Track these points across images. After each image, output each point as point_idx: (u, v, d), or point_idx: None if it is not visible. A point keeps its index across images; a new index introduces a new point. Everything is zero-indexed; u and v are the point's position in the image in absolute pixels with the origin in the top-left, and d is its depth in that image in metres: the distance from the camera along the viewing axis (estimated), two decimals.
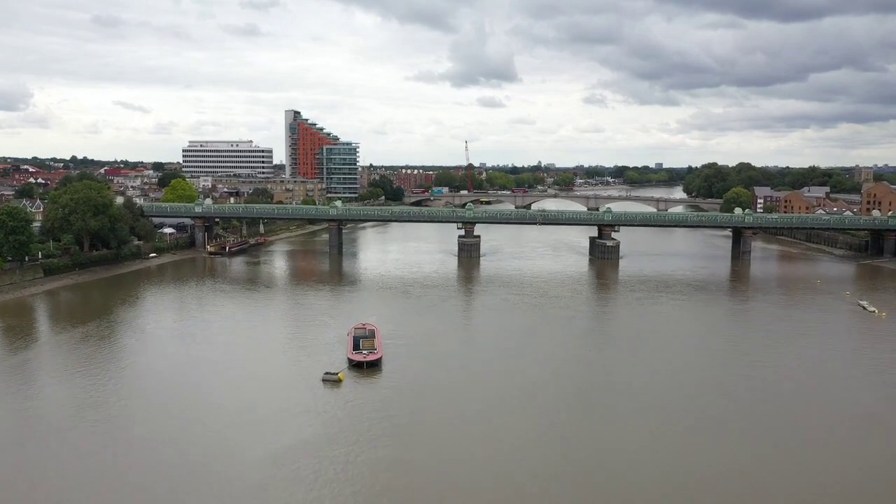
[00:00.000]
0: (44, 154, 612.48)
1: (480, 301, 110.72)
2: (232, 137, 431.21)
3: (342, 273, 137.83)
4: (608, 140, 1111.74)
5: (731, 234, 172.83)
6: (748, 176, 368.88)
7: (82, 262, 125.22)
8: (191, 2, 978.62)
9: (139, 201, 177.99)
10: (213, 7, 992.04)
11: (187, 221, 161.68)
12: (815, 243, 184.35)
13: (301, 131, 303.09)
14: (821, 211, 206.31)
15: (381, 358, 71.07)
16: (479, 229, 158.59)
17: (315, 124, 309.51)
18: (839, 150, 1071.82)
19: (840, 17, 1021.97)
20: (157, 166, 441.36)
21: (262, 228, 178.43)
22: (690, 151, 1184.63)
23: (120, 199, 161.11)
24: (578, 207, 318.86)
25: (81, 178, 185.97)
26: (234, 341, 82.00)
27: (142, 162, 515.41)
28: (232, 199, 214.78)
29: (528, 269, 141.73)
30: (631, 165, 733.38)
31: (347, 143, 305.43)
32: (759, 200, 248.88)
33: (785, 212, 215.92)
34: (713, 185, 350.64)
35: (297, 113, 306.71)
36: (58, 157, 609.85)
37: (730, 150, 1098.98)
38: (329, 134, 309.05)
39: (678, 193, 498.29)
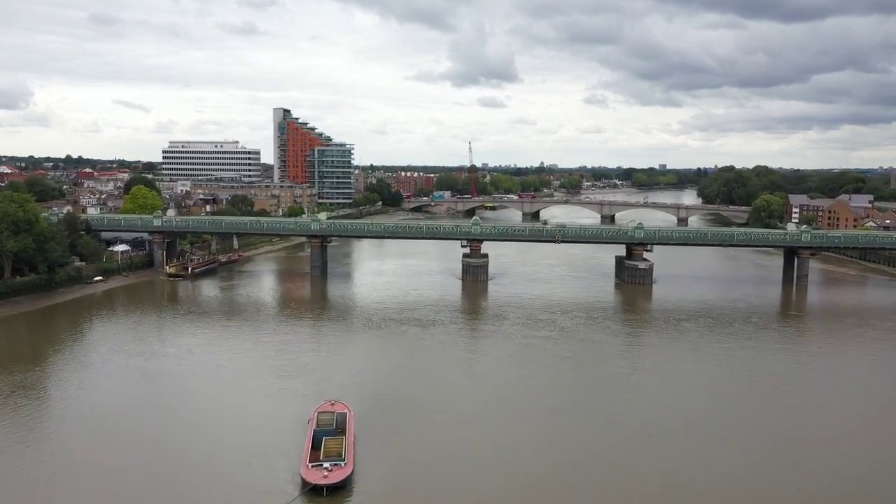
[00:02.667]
0: (44, 153, 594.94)
1: (493, 348, 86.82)
2: (232, 137, 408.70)
3: (324, 302, 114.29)
4: (610, 141, 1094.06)
5: (764, 249, 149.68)
6: (770, 180, 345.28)
7: (1, 291, 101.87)
8: (189, 0, 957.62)
9: (95, 211, 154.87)
10: (211, 5, 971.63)
11: (147, 236, 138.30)
12: (873, 262, 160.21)
13: (291, 131, 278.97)
14: (872, 223, 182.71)
15: (351, 474, 47.31)
16: (485, 243, 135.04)
17: (306, 123, 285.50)
18: (841, 151, 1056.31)
19: (842, 18, 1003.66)
20: (149, 166, 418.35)
21: (235, 243, 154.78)
22: (692, 152, 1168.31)
23: (67, 209, 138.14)
24: (590, 214, 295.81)
25: (31, 186, 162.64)
26: (149, 430, 58.32)
27: (139, 161, 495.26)
28: (208, 208, 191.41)
29: (547, 297, 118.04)
30: (633, 166, 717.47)
31: (341, 144, 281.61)
32: (794, 210, 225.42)
33: (829, 224, 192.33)
34: (733, 190, 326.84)
35: (286, 111, 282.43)
36: (52, 157, 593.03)
37: (732, 151, 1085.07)
38: (321, 134, 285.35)
39: (687, 197, 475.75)
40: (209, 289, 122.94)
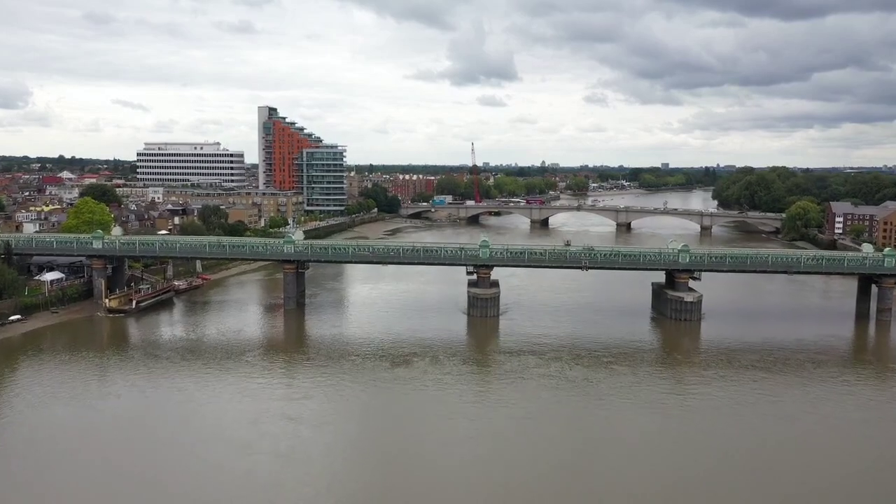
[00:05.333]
0: (44, 153, 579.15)
1: (512, 428, 62.86)
2: (232, 136, 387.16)
3: (295, 352, 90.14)
4: (611, 140, 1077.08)
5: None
6: (794, 183, 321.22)
7: None
8: None
9: (33, 228, 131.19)
10: (206, 4, 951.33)
11: (86, 261, 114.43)
12: None
13: (277, 131, 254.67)
14: None
15: None
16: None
17: (294, 123, 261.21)
18: (842, 149, 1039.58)
19: (843, 16, 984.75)
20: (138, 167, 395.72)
21: (199, 266, 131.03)
22: (694, 151, 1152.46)
23: None
24: (604, 221, 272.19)
25: None
26: None
27: (136, 161, 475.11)
28: (176, 220, 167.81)
29: (574, 340, 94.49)
30: (635, 165, 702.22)
31: (332, 146, 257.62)
32: (836, 219, 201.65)
33: (885, 237, 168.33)
34: (755, 193, 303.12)
35: (272, 109, 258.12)
36: (47, 156, 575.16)
37: (733, 149, 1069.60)
38: (311, 135, 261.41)
39: (697, 199, 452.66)
40: (154, 330, 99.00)
